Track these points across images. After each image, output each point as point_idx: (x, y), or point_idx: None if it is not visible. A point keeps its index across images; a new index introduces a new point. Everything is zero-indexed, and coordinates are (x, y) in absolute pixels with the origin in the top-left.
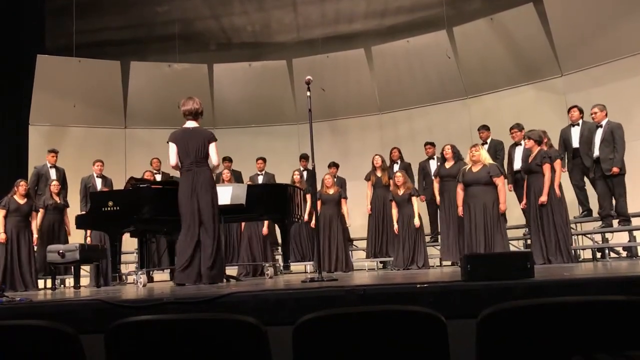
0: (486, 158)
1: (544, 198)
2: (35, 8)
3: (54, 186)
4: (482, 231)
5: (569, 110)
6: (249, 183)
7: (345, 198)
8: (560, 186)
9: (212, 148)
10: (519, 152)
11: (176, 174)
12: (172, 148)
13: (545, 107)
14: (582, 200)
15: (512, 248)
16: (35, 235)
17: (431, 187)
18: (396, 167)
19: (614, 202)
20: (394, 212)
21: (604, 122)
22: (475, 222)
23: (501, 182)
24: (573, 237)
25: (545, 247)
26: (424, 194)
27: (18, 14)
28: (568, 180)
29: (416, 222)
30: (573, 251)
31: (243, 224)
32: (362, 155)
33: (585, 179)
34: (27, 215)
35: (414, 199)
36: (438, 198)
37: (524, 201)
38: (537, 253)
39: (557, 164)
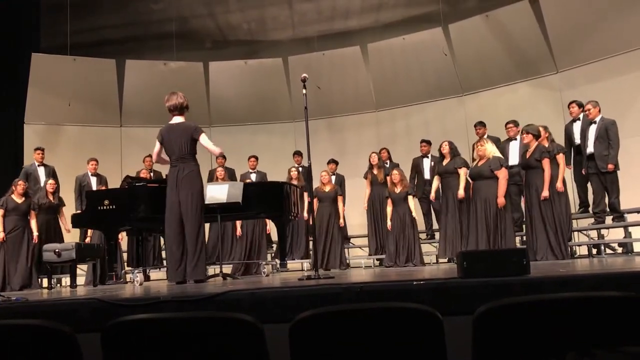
0: (491, 152)
1: (545, 193)
2: (30, 6)
3: (50, 185)
4: (484, 226)
5: (568, 106)
6: (246, 181)
7: (342, 195)
8: (563, 181)
9: (203, 141)
10: (513, 148)
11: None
12: (157, 146)
13: (541, 104)
14: (582, 196)
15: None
16: (35, 234)
17: (424, 185)
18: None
19: (607, 199)
20: (389, 209)
21: (597, 119)
22: (476, 216)
23: (502, 175)
24: (570, 233)
25: (549, 243)
26: (415, 191)
27: (13, 13)
28: (569, 175)
29: (415, 218)
30: (569, 248)
31: (238, 222)
32: (359, 152)
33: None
34: (26, 214)
35: (410, 197)
36: (433, 195)
37: (523, 197)
38: (535, 249)
39: (561, 158)
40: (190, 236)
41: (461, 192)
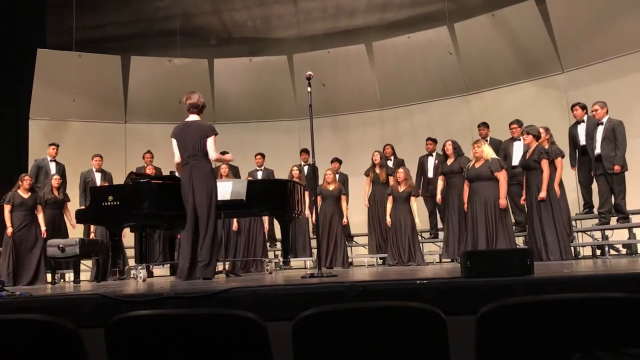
0: (489, 153)
1: (543, 194)
2: (36, 2)
3: (55, 180)
4: (484, 227)
5: (572, 108)
6: (249, 179)
7: (345, 194)
8: (561, 184)
9: (210, 142)
10: (517, 148)
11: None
12: (174, 145)
13: (546, 104)
14: (586, 197)
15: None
16: (43, 228)
17: (428, 184)
18: (390, 164)
19: (613, 199)
20: (389, 206)
21: (604, 120)
22: (476, 218)
23: (502, 177)
24: (573, 234)
25: (545, 244)
26: (420, 189)
27: (19, 8)
28: (574, 177)
29: (417, 221)
30: (573, 248)
31: (235, 220)
32: (363, 151)
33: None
34: (32, 209)
35: (412, 198)
36: (439, 196)
37: (523, 197)
38: (535, 250)
39: (559, 162)
40: (205, 235)
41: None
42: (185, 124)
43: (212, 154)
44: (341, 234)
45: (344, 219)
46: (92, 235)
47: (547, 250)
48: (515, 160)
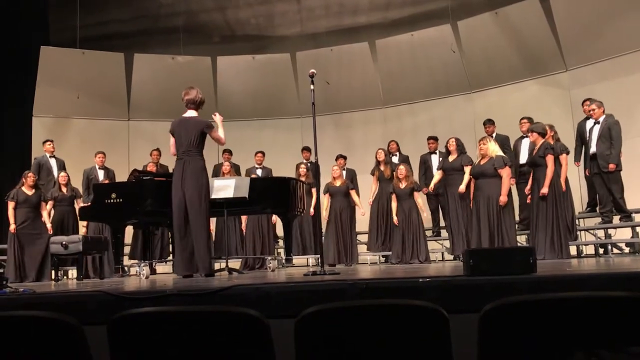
0: (494, 150)
1: (545, 190)
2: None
3: (62, 177)
4: (487, 224)
5: (582, 104)
6: (253, 176)
7: (354, 189)
8: (566, 181)
9: (215, 133)
10: (524, 146)
11: None
12: (172, 139)
13: (550, 102)
14: (591, 195)
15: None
16: (48, 225)
17: (430, 180)
18: (395, 160)
19: (612, 198)
20: (394, 205)
21: (601, 119)
22: (479, 215)
23: (505, 174)
24: (576, 232)
25: (545, 242)
26: (424, 187)
27: (22, 6)
28: (577, 176)
29: (424, 215)
30: (576, 247)
31: (244, 217)
32: (366, 148)
33: None
34: (37, 206)
35: (415, 193)
36: (432, 186)
37: (528, 187)
38: (538, 247)
39: (563, 158)
40: (197, 231)
41: (462, 187)
42: (182, 119)
43: (223, 140)
44: (350, 230)
45: (361, 211)
46: (83, 231)
47: (546, 249)
48: (523, 157)
